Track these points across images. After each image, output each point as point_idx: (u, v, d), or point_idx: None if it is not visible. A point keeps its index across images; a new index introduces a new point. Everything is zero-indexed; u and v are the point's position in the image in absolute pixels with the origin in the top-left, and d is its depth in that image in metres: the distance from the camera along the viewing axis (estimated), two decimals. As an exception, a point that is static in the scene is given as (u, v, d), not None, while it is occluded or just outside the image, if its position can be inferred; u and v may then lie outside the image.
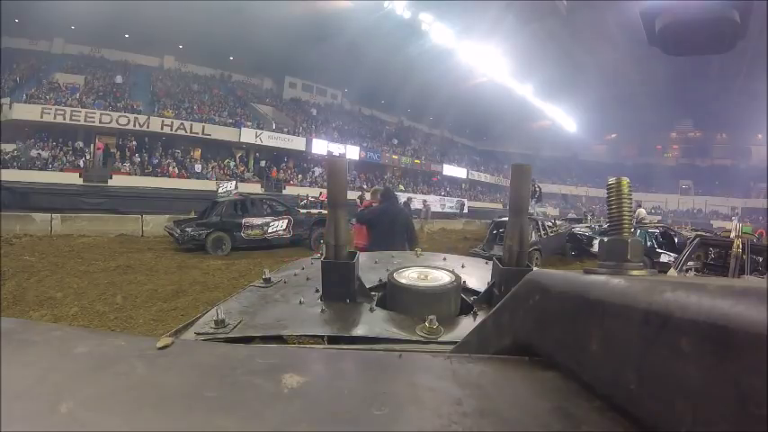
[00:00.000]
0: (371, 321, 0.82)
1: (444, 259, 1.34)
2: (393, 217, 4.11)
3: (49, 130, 18.70)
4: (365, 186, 24.68)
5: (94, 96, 20.74)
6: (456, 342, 0.55)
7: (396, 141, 34.01)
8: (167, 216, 10.95)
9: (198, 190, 18.14)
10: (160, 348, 0.37)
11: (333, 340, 0.77)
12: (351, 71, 28.87)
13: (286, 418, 0.28)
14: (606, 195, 0.53)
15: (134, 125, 20.06)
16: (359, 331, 0.77)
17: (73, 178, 17.14)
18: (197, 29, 23.62)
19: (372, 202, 4.76)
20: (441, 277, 0.93)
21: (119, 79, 23.14)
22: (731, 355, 0.20)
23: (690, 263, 5.44)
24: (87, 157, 18.95)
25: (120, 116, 19.76)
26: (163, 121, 20.88)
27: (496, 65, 31.59)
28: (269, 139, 23.87)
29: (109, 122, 19.42)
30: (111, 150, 19.95)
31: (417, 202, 21.64)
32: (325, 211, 1.10)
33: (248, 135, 23.17)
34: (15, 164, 16.57)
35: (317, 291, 0.97)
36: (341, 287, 0.91)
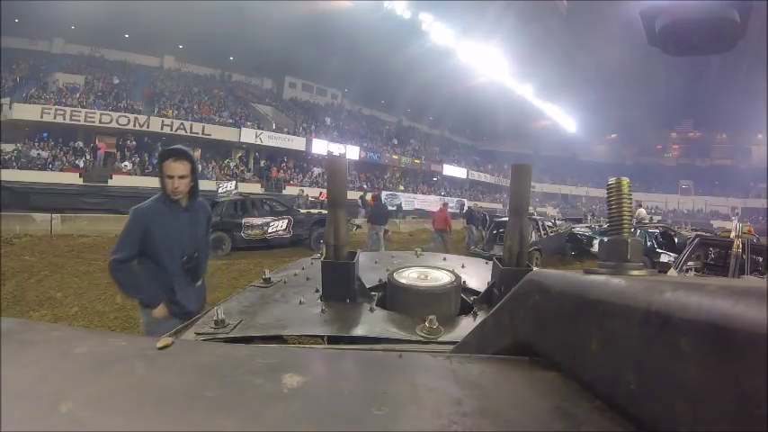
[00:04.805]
0: (371, 321, 0.82)
1: (444, 259, 1.34)
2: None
3: (49, 130, 18.69)
4: (365, 186, 24.67)
5: (94, 96, 20.73)
6: (456, 342, 0.55)
7: (396, 141, 33.97)
8: (167, 216, 10.91)
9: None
10: (160, 348, 0.38)
11: (333, 340, 0.77)
12: (351, 71, 28.83)
13: (286, 418, 0.28)
14: (606, 195, 0.53)
15: (134, 125, 20.06)
16: (359, 331, 0.77)
17: (73, 178, 17.10)
18: (197, 29, 23.59)
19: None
20: (441, 277, 0.93)
21: (116, 80, 23.12)
22: (731, 355, 0.20)
23: (690, 263, 5.43)
24: (87, 157, 18.95)
25: (120, 116, 19.76)
26: (163, 121, 20.89)
27: (496, 65, 31.53)
28: (269, 139, 23.85)
29: (109, 122, 19.43)
30: (111, 150, 19.95)
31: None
32: (325, 211, 1.10)
33: (248, 135, 23.15)
34: (15, 164, 16.56)
35: (317, 291, 0.97)
36: (341, 287, 0.91)
